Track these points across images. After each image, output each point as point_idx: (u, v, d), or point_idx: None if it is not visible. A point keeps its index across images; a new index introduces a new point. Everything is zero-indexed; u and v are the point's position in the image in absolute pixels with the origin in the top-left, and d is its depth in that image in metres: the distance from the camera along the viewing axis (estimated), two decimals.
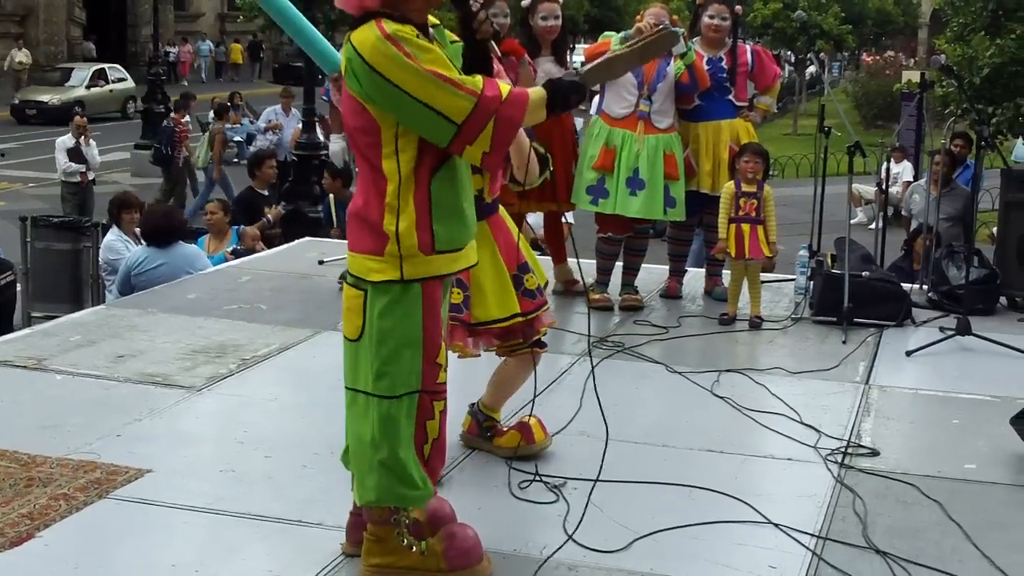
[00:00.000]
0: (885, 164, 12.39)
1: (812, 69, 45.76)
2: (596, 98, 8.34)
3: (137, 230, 10.12)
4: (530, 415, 5.41)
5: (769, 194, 7.88)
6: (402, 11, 3.99)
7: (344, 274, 7.73)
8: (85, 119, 19.08)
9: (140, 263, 9.06)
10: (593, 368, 5.09)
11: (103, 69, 38.50)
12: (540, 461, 5.35)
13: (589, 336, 7.29)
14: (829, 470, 5.44)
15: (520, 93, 4.04)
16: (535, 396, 5.19)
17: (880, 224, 10.20)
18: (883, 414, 6.27)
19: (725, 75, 8.30)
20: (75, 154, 17.64)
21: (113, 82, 38.14)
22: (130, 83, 38.55)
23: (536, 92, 4.12)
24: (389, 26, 3.90)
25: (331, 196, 12.34)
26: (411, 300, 4.12)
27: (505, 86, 4.03)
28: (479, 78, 3.99)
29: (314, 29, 4.50)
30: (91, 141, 18.09)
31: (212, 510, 4.88)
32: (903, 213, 14.44)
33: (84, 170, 17.71)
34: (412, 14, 4.02)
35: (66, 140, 17.93)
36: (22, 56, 41.08)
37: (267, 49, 52.55)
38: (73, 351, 6.97)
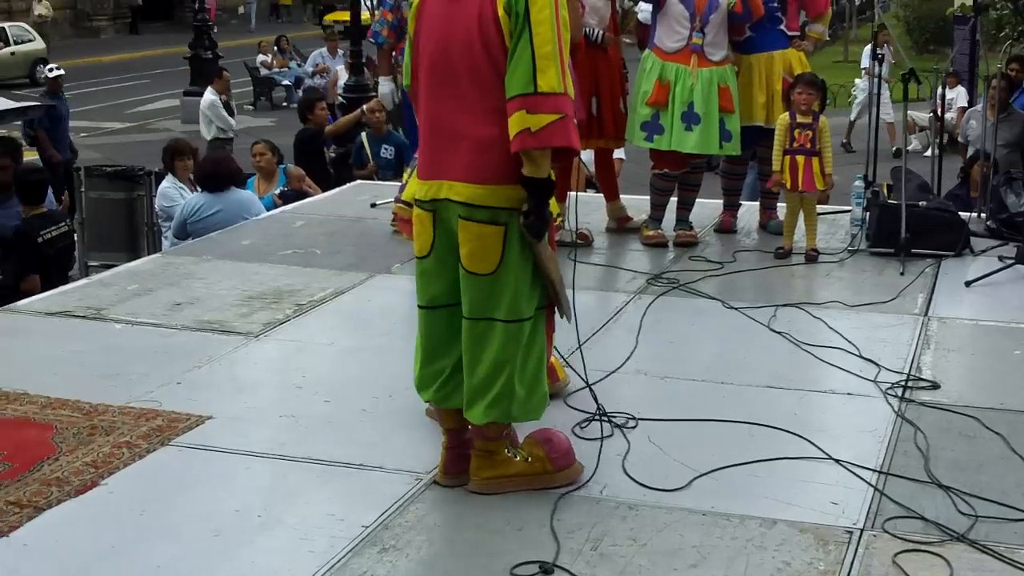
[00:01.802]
0: (940, 90, 12.21)
1: None
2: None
3: (191, 176, 10.14)
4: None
5: (825, 125, 7.78)
6: None
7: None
8: (228, 75, 18.36)
9: (197, 210, 9.09)
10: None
11: (3, 29, 33.23)
12: (601, 399, 5.31)
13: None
14: (890, 404, 5.40)
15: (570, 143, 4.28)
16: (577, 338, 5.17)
17: (936, 152, 10.08)
18: (943, 346, 6.22)
19: (776, 4, 8.16)
20: (227, 110, 17.18)
21: (17, 43, 32.91)
22: (38, 44, 33.63)
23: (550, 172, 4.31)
24: None
25: (363, 133, 12.25)
26: None
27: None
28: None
29: None
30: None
31: (273, 455, 4.91)
32: (959, 140, 14.23)
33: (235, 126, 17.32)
34: None
35: (214, 99, 16.86)
36: (42, 8, 38.98)
37: None
38: (131, 300, 7.02)
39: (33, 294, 7.52)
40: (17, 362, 5.99)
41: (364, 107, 12.54)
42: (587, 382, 5.19)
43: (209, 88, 17.18)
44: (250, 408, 5.42)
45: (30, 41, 33.46)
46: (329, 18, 42.65)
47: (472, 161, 4.30)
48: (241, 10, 47.85)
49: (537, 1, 4.18)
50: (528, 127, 4.15)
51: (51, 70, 16.61)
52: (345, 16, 38.43)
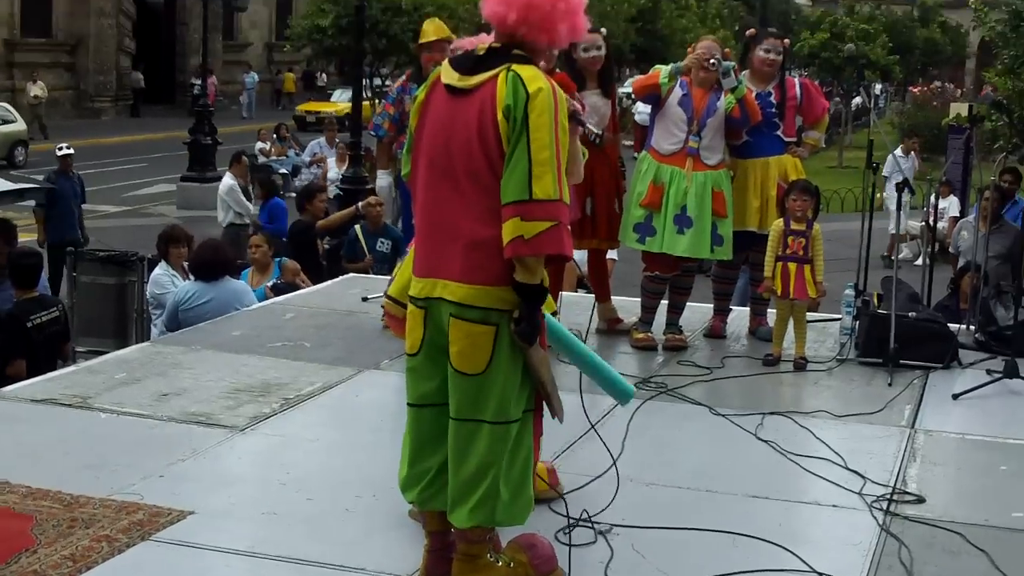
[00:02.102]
0: (932, 199, 12.29)
1: (858, 100, 45.62)
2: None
3: (185, 264, 10.14)
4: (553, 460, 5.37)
5: (818, 233, 7.81)
6: (533, 55, 4.40)
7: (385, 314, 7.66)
8: (247, 161, 17.98)
9: (189, 298, 9.08)
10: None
11: None
12: (585, 505, 5.29)
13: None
14: (874, 517, 5.38)
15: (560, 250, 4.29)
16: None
17: (927, 261, 10.11)
18: (929, 459, 6.21)
19: (774, 110, 8.23)
20: (246, 197, 16.70)
21: None
22: (19, 125, 32.16)
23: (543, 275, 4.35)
24: (558, 89, 4.31)
25: (357, 227, 12.29)
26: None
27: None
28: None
29: (599, 360, 5.07)
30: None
31: (254, 553, 4.87)
32: (950, 250, 14.31)
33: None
34: (536, 58, 4.42)
35: (233, 184, 16.46)
36: (37, 90, 38.00)
37: (325, 76, 52.74)
38: (118, 389, 7.00)
39: (19, 379, 7.50)
40: (1, 450, 5.96)
41: (360, 204, 12.60)
42: (612, 456, 5.17)
43: (228, 172, 16.84)
44: (232, 504, 5.39)
45: (11, 122, 32.11)
46: (302, 108, 42.77)
47: (467, 261, 4.31)
48: (244, 99, 48.11)
49: (536, 107, 4.21)
50: (522, 234, 4.17)
51: (60, 149, 16.62)
52: (319, 107, 38.29)
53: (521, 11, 4.33)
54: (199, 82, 28.31)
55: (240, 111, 46.59)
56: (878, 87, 53.02)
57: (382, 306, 8.20)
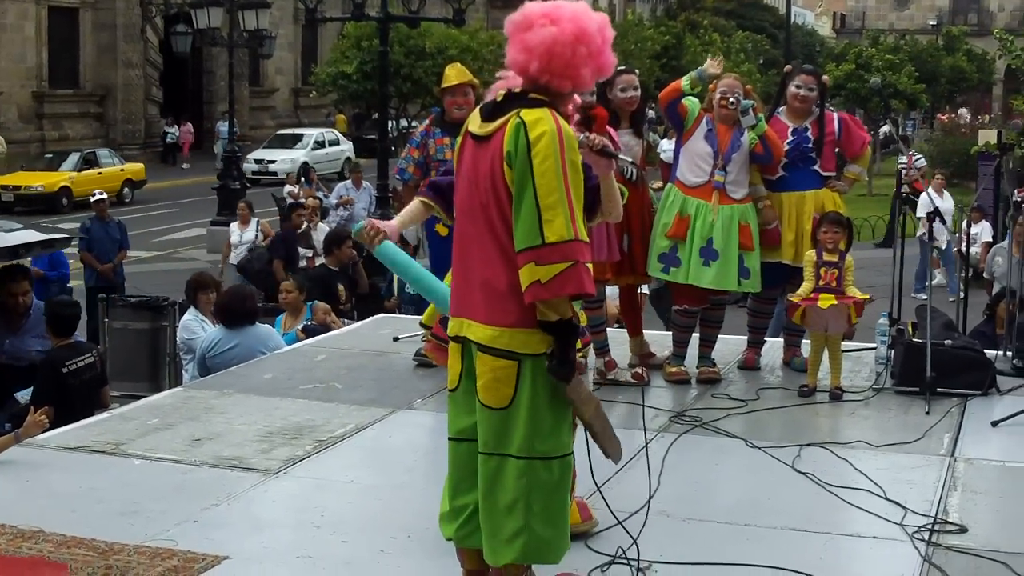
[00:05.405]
0: (964, 225, 12.21)
1: (885, 128, 45.50)
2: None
3: (213, 309, 10.12)
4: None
5: (850, 264, 7.74)
6: (553, 100, 4.39)
7: (419, 352, 7.70)
8: (317, 202, 18.43)
9: (214, 345, 9.04)
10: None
11: None
12: (621, 542, 5.22)
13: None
14: (916, 548, 5.31)
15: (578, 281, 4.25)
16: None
17: (961, 287, 10.01)
18: (970, 488, 6.12)
19: (811, 145, 8.14)
20: (303, 238, 17.02)
21: None
22: None
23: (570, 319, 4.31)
24: (565, 128, 4.30)
25: None
26: None
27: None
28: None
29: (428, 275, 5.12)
30: (319, 225, 17.29)
31: None
32: (984, 276, 14.22)
33: (311, 255, 17.05)
34: (559, 104, 4.41)
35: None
36: None
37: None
38: (151, 435, 6.98)
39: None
40: (35, 498, 5.95)
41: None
42: (618, 519, 5.10)
43: None
44: (267, 548, 5.35)
45: None
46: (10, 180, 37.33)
47: (489, 304, 4.36)
48: (217, 148, 47.59)
49: (540, 152, 4.23)
50: (538, 279, 4.20)
51: (94, 195, 16.77)
52: (24, 179, 35.08)
53: (543, 59, 4.34)
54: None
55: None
56: (910, 124, 52.78)
57: (422, 339, 8.19)
